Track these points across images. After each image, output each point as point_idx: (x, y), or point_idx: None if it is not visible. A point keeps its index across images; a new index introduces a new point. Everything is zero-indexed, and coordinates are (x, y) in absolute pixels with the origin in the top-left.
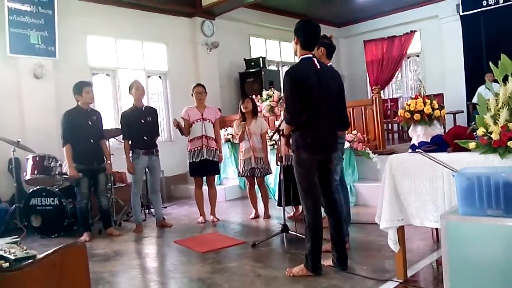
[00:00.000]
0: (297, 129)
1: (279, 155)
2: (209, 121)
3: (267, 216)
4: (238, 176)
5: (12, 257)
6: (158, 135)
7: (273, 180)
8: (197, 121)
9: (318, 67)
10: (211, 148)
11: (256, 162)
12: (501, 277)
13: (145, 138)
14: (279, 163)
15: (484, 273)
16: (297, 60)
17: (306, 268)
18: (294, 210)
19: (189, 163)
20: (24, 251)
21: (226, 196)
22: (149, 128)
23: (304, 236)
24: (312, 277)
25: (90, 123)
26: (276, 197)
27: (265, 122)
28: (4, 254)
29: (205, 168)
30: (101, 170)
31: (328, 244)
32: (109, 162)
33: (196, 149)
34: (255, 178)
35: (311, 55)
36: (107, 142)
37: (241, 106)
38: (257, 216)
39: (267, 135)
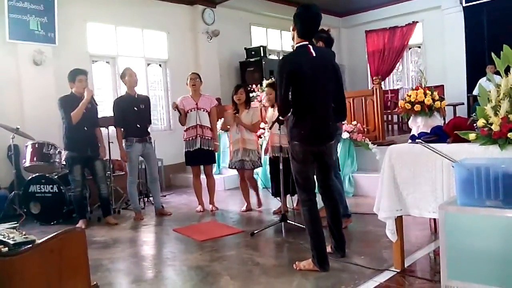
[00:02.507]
0: (292, 120)
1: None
2: (204, 110)
3: (259, 205)
4: (228, 167)
5: (11, 242)
6: (150, 123)
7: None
8: (191, 110)
9: (314, 54)
10: (206, 137)
11: (245, 154)
12: (498, 268)
13: (138, 126)
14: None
15: (482, 263)
16: None
17: (313, 262)
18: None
19: (184, 152)
20: (23, 236)
21: (225, 185)
22: (142, 116)
23: (302, 226)
24: (312, 270)
25: (84, 111)
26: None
27: (258, 113)
28: (3, 239)
29: (200, 157)
30: (97, 158)
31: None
32: (103, 146)
33: (190, 138)
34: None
35: (306, 43)
36: (110, 130)
37: (234, 97)
38: (249, 209)
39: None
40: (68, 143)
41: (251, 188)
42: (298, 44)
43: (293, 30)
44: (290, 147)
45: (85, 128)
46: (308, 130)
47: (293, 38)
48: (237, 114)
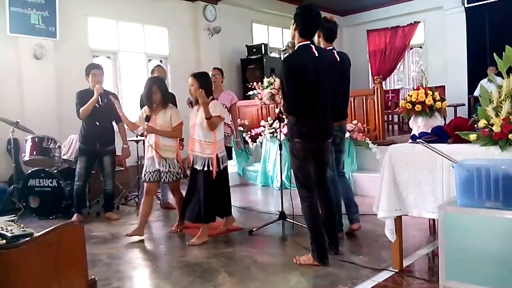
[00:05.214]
0: (293, 118)
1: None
2: (224, 107)
3: (182, 227)
4: (142, 181)
5: (9, 235)
6: None
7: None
8: None
9: (316, 55)
10: (226, 134)
11: (160, 164)
12: (497, 269)
13: None
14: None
15: (480, 264)
16: None
17: (313, 257)
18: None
19: None
20: (21, 229)
21: None
22: None
23: (301, 224)
24: (311, 265)
25: (97, 105)
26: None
27: (177, 114)
28: (1, 232)
29: None
30: (106, 153)
31: None
32: (125, 146)
33: None
34: (168, 184)
35: (308, 42)
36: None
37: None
38: (136, 234)
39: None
40: (80, 135)
41: (176, 203)
42: (300, 44)
43: (294, 30)
44: (291, 144)
45: (97, 123)
46: (309, 128)
47: (293, 37)
48: (147, 123)
